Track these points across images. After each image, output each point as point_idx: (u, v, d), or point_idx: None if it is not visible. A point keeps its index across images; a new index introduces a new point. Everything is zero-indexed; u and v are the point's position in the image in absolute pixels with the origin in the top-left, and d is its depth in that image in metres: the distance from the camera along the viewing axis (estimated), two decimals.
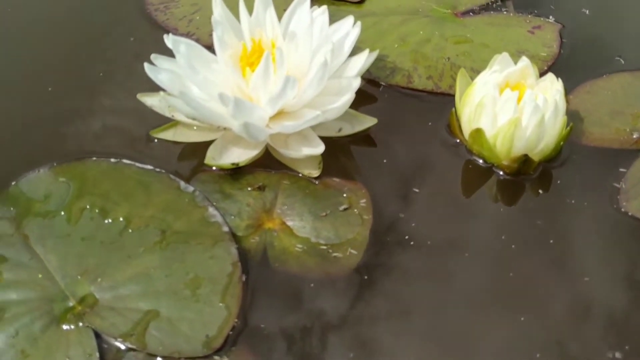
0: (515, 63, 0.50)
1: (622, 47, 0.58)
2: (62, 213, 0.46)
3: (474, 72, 0.56)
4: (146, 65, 0.49)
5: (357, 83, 0.48)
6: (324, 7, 0.51)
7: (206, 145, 0.50)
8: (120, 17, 0.61)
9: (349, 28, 0.52)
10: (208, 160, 0.48)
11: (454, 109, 0.51)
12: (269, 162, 0.49)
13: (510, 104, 0.46)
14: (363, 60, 0.51)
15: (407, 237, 0.45)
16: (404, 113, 0.53)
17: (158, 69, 0.49)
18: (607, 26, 0.61)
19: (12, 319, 0.41)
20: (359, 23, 0.52)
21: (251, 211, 0.46)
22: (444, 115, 0.52)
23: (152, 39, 0.58)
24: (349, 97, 0.48)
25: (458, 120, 0.50)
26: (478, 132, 0.47)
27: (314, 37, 0.50)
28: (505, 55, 0.49)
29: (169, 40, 0.49)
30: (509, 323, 0.42)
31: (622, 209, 0.47)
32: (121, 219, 0.45)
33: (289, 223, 0.46)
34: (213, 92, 0.49)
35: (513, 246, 0.45)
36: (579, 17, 0.61)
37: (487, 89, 0.47)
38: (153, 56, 0.51)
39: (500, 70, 0.49)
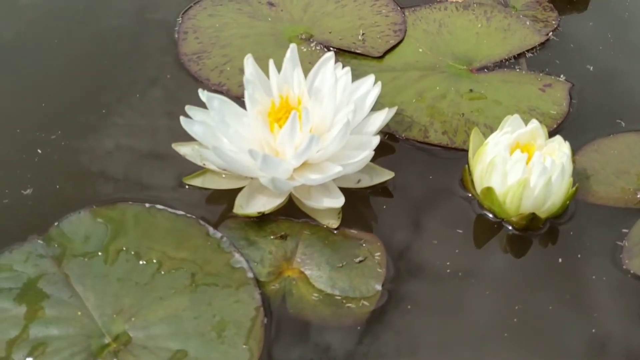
0: (526, 122, 0.53)
1: (627, 108, 0.60)
2: (100, 254, 0.50)
3: (487, 128, 0.59)
4: (182, 118, 0.53)
5: (376, 141, 0.52)
6: (348, 68, 0.55)
7: (233, 192, 0.54)
8: (155, 67, 0.65)
9: (369, 87, 0.56)
10: (236, 208, 0.52)
11: (467, 166, 0.54)
12: (292, 210, 0.53)
13: (519, 165, 0.49)
14: (383, 118, 0.55)
15: (418, 289, 0.48)
16: (420, 166, 0.56)
17: (192, 122, 0.53)
18: (615, 86, 0.64)
19: (53, 353, 0.45)
20: (379, 83, 0.56)
21: (273, 259, 0.49)
22: (458, 169, 0.55)
23: (185, 89, 0.62)
24: (368, 153, 0.51)
25: (471, 175, 0.54)
26: (489, 190, 0.50)
27: (338, 95, 0.54)
28: (516, 117, 0.53)
29: (204, 95, 0.53)
30: None
31: (624, 267, 0.49)
32: (154, 261, 0.49)
33: (307, 272, 0.49)
34: (243, 145, 0.53)
35: (521, 300, 0.48)
36: (588, 76, 0.64)
37: (498, 149, 0.50)
38: (187, 107, 0.55)
39: (511, 132, 0.52)
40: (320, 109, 0.53)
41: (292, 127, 0.51)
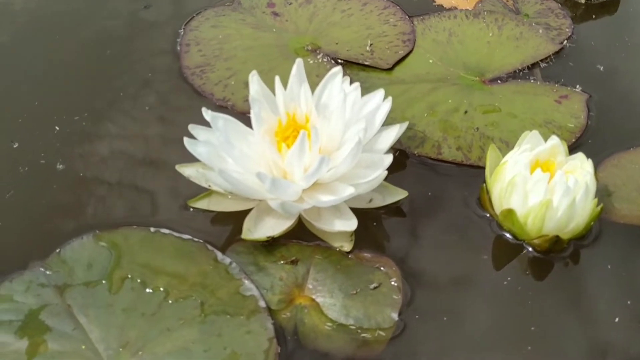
0: (543, 136, 0.51)
1: None
2: (104, 282, 0.48)
3: (502, 143, 0.57)
4: (185, 139, 0.50)
5: (389, 160, 0.50)
6: (357, 84, 0.53)
7: (240, 213, 0.52)
8: (157, 81, 0.63)
9: (379, 102, 0.53)
10: (245, 233, 0.49)
11: (484, 185, 0.52)
12: (302, 232, 0.51)
13: (541, 185, 0.47)
14: (394, 134, 0.53)
15: (436, 318, 0.46)
16: (434, 184, 0.54)
17: (196, 143, 0.51)
18: (633, 96, 0.62)
19: None
20: (390, 98, 0.53)
21: (283, 286, 0.47)
22: (474, 187, 0.53)
23: (190, 105, 0.60)
24: (380, 173, 0.49)
25: (488, 194, 0.52)
26: (510, 212, 0.48)
27: (347, 112, 0.52)
28: (535, 134, 0.51)
29: (208, 115, 0.51)
30: None
31: None
32: (161, 289, 0.47)
33: (319, 300, 0.47)
34: (249, 166, 0.51)
35: (545, 324, 0.46)
36: (605, 86, 0.62)
37: (518, 168, 0.48)
38: (190, 126, 0.52)
39: (530, 149, 0.50)
40: (328, 126, 0.51)
41: (301, 147, 0.48)
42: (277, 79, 0.53)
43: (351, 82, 0.54)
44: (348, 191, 0.48)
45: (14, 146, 0.57)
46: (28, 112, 0.60)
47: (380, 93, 0.54)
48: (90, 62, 0.64)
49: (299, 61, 0.54)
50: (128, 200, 0.53)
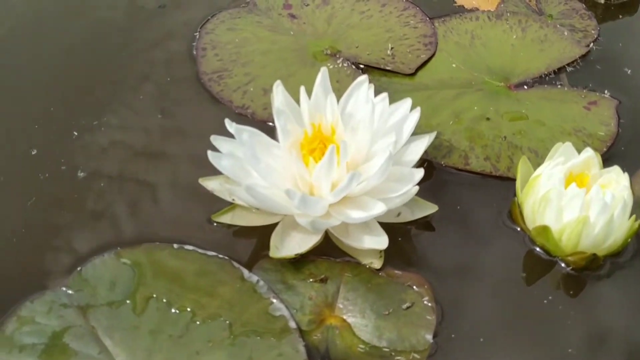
0: (573, 144, 0.50)
1: None
2: (128, 302, 0.46)
3: (531, 152, 0.56)
4: (209, 153, 0.49)
5: (419, 175, 0.48)
6: (385, 95, 0.52)
7: (263, 227, 0.50)
8: (175, 87, 0.61)
9: (406, 112, 0.52)
10: (272, 251, 0.48)
11: (515, 198, 0.51)
12: (329, 247, 0.49)
13: (577, 201, 0.46)
14: (423, 146, 0.51)
15: (472, 339, 0.45)
16: (462, 196, 0.53)
17: (220, 156, 0.49)
18: None
19: None
20: (418, 108, 0.52)
21: (313, 305, 0.46)
22: (503, 200, 0.52)
23: (209, 114, 0.58)
24: (411, 188, 0.47)
25: (520, 208, 0.50)
26: (544, 229, 0.47)
27: (375, 123, 0.50)
28: (568, 145, 0.49)
29: (232, 128, 0.50)
30: None
31: None
32: (188, 309, 0.46)
33: (351, 320, 0.46)
34: (275, 179, 0.49)
35: (583, 345, 0.45)
36: (634, 91, 0.61)
37: (552, 182, 0.47)
38: (213, 137, 0.51)
39: (564, 162, 0.48)
40: (355, 138, 0.49)
41: (329, 162, 0.47)
42: (302, 90, 0.51)
43: (376, 92, 0.52)
44: (378, 208, 0.46)
45: (33, 153, 0.55)
46: (44, 117, 0.58)
47: (407, 102, 0.52)
48: (101, 68, 0.62)
49: (323, 69, 0.52)
50: (149, 214, 0.52)
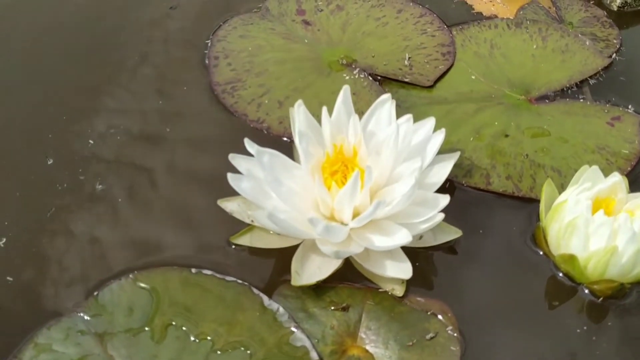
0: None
1: None
2: (147, 329, 0.45)
3: (554, 171, 0.55)
4: (229, 175, 0.47)
5: (444, 202, 0.47)
6: (409, 116, 0.50)
7: (282, 249, 0.49)
8: (186, 99, 0.59)
9: (429, 132, 0.50)
10: (294, 279, 0.47)
11: (539, 223, 0.50)
12: (350, 272, 0.48)
13: (604, 230, 0.45)
14: (448, 169, 0.50)
15: None
16: (484, 219, 0.51)
17: (240, 178, 0.48)
18: None
19: None
20: (443, 130, 0.50)
21: (335, 335, 0.45)
22: (526, 222, 0.51)
23: (224, 129, 0.57)
24: (435, 215, 0.46)
25: (544, 232, 0.49)
26: (571, 258, 0.46)
27: (398, 146, 0.49)
28: (595, 169, 0.48)
29: (253, 149, 0.48)
30: None
31: None
32: (208, 337, 0.45)
33: (373, 351, 0.45)
34: (296, 202, 0.48)
35: None
36: None
37: (579, 209, 0.46)
38: (231, 156, 0.50)
39: (590, 188, 0.47)
40: (377, 161, 0.48)
41: (353, 188, 0.46)
42: (324, 110, 0.49)
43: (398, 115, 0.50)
44: (403, 237, 0.45)
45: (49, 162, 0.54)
46: (58, 127, 0.57)
47: (430, 121, 0.51)
48: (112, 78, 0.60)
49: (345, 88, 0.51)
50: (165, 235, 0.51)
